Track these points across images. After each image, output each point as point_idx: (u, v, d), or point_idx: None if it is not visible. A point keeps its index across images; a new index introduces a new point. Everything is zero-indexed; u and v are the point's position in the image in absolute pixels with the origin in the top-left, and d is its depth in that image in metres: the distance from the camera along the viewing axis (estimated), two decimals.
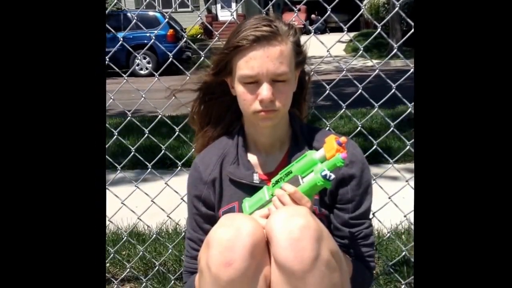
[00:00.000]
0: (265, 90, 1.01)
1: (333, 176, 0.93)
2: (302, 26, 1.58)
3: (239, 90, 1.05)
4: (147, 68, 10.08)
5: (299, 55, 1.07)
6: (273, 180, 1.02)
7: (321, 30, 18.49)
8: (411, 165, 3.05)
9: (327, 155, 0.93)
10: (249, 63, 1.01)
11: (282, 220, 0.89)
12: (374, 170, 2.95)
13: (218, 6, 18.69)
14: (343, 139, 0.93)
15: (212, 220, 1.13)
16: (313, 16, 20.18)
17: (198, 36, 16.36)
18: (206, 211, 1.14)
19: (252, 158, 1.14)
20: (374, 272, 1.81)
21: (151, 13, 10.32)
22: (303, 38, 1.13)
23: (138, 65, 10.18)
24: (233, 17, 1.65)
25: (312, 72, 1.23)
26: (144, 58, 10.31)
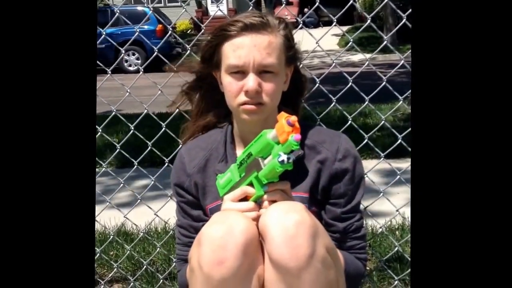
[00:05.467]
0: (250, 81, 0.99)
1: (292, 158, 0.89)
2: (295, 20, 1.54)
3: (226, 81, 1.03)
4: (136, 65, 9.97)
5: (289, 50, 1.05)
6: (238, 160, 1.00)
7: (314, 24, 18.45)
8: (405, 160, 3.01)
9: (280, 138, 0.89)
10: (236, 52, 0.99)
11: (277, 216, 0.87)
12: (366, 164, 2.93)
13: (209, 0, 18.56)
14: (293, 118, 0.88)
15: (200, 206, 1.12)
16: (306, 9, 20.15)
17: (189, 32, 16.25)
18: (192, 199, 1.13)
19: None
20: (368, 268, 1.81)
21: (139, 8, 10.20)
22: (295, 33, 1.11)
23: (126, 61, 10.07)
24: (221, 11, 1.61)
25: (301, 65, 1.19)
26: (133, 54, 10.20)
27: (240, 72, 1.00)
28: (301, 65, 1.18)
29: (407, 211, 2.04)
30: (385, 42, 1.43)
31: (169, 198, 1.53)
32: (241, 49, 0.98)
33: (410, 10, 1.42)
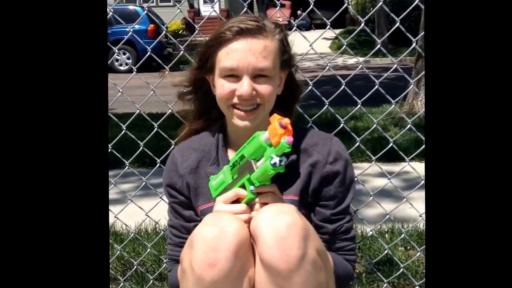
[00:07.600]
0: (245, 85, 0.98)
1: (284, 161, 0.90)
2: (287, 22, 1.55)
3: (219, 84, 1.02)
4: (126, 64, 9.92)
5: (284, 54, 1.05)
6: (231, 162, 1.01)
7: (306, 27, 18.51)
8: (395, 164, 3.04)
9: (272, 141, 0.89)
10: (230, 55, 0.98)
11: (268, 218, 0.87)
12: (357, 167, 2.95)
13: (201, 0, 18.52)
14: (285, 121, 0.88)
15: (192, 207, 1.12)
16: (298, 12, 20.20)
17: (180, 32, 16.20)
18: (184, 200, 1.12)
19: None
20: (357, 271, 1.82)
21: (131, 7, 10.15)
22: (288, 35, 1.11)
23: (118, 61, 10.02)
24: (215, 11, 1.61)
25: (296, 69, 1.19)
26: (124, 54, 10.15)
27: (234, 76, 1.00)
28: (295, 70, 1.17)
29: (396, 215, 2.07)
30: (378, 46, 1.44)
31: (160, 199, 1.52)
32: (235, 53, 0.98)
33: (403, 14, 1.44)
